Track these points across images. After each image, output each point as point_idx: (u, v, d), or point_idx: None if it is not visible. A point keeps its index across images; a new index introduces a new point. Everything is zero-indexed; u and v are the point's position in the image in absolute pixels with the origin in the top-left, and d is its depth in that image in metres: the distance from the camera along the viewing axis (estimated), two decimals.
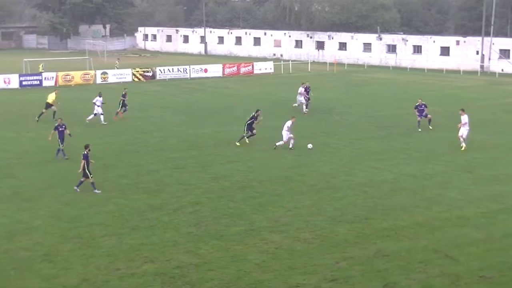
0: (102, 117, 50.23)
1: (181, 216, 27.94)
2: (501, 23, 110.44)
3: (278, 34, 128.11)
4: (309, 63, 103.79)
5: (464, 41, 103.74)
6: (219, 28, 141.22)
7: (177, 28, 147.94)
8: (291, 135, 41.30)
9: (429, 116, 47.66)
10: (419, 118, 47.62)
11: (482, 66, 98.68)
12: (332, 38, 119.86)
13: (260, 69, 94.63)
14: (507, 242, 24.47)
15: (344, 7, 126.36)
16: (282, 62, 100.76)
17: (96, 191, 31.31)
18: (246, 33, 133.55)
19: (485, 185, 32.73)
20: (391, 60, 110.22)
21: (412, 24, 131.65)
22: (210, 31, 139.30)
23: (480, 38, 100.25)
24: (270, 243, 24.54)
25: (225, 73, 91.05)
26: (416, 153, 40.25)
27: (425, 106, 47.85)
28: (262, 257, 23.17)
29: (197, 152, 40.62)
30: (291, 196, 30.89)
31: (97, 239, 25.10)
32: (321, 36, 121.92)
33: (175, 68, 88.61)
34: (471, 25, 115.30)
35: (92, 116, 50.35)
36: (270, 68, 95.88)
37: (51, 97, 53.02)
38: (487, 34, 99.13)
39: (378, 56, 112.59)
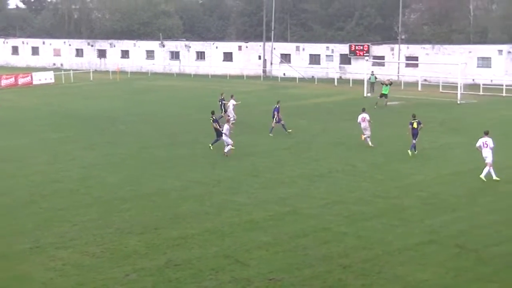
0: None
1: None
2: (281, 28, 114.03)
3: (57, 43, 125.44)
4: (91, 72, 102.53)
5: (246, 47, 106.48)
6: None
7: None
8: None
9: (282, 122, 48.35)
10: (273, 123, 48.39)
11: (264, 71, 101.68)
12: (114, 46, 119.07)
13: (40, 80, 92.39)
14: (295, 244, 25.22)
15: (125, 14, 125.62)
16: (63, 72, 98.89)
17: None
18: (23, 42, 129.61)
19: (271, 189, 33.61)
20: (174, 67, 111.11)
21: (195, 30, 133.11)
22: None
23: (261, 43, 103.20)
24: (57, 259, 23.88)
25: (2, 84, 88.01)
26: (202, 159, 40.71)
27: (277, 111, 48.34)
28: (48, 275, 22.50)
29: None
30: (77, 209, 30.25)
31: None
32: (102, 44, 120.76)
33: None
34: (252, 30, 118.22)
35: None
36: (51, 78, 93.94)
37: None
38: (268, 39, 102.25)
39: (161, 63, 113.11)
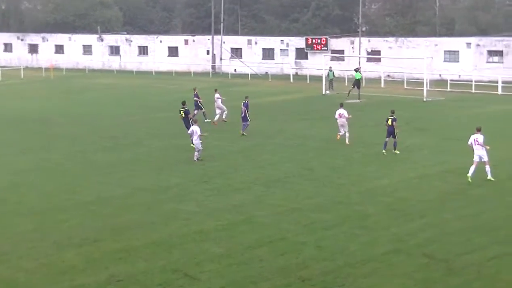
0: None
1: None
2: (231, 20, 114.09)
3: None
4: (22, 69, 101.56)
5: (194, 40, 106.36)
6: None
7: None
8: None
9: (247, 122, 48.66)
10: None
11: (213, 67, 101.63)
12: (47, 40, 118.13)
13: None
14: (249, 255, 25.18)
15: (59, 5, 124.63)
16: None
17: None
18: None
19: (223, 196, 33.52)
20: (115, 63, 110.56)
21: (136, 23, 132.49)
22: None
23: (210, 37, 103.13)
24: None
25: None
26: (147, 164, 40.53)
27: (246, 107, 48.45)
28: None
29: None
30: (8, 220, 29.89)
31: None
32: (34, 38, 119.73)
33: None
34: (199, 22, 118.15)
35: None
36: None
37: None
38: (217, 32, 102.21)
39: (100, 59, 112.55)
